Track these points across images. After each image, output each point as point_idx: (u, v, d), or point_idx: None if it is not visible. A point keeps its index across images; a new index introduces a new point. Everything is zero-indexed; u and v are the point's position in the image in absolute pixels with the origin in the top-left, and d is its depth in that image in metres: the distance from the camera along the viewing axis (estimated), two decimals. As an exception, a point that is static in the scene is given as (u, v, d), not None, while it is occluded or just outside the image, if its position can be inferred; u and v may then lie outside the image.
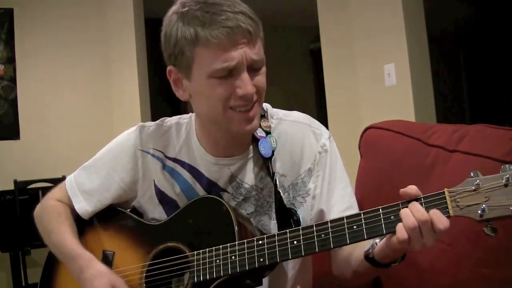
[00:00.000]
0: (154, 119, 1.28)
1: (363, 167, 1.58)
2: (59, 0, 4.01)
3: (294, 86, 5.86)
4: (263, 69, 1.09)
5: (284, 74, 5.57)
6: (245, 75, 1.04)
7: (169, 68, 1.12)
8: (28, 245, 3.36)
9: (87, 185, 1.25)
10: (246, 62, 1.03)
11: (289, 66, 5.80)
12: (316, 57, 5.31)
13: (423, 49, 3.11)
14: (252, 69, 1.06)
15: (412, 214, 0.90)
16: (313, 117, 1.26)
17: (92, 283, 1.12)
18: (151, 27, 4.52)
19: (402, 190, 0.94)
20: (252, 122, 1.09)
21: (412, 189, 0.93)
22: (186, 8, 1.04)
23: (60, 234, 1.22)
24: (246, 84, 1.03)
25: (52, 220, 1.26)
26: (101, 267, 1.15)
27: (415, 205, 0.91)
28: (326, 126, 1.26)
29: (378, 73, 3.14)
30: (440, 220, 0.88)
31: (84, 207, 1.24)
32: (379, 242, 0.98)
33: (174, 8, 1.07)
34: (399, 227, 0.91)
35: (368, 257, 1.02)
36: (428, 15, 3.14)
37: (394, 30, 3.03)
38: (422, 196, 0.92)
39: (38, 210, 1.31)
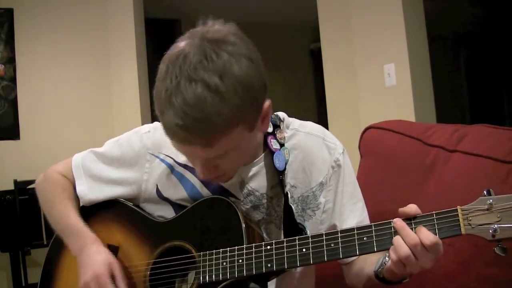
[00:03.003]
0: (154, 119, 1.27)
1: (363, 167, 1.58)
2: (59, 0, 4.01)
3: (294, 86, 5.86)
4: (234, 154, 1.01)
5: (284, 74, 5.57)
6: (198, 163, 1.02)
7: None
8: (28, 245, 3.36)
9: (92, 172, 1.24)
10: (198, 157, 1.01)
11: (289, 66, 5.80)
12: (316, 57, 5.31)
13: (423, 49, 3.11)
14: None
15: (403, 241, 0.91)
16: (313, 117, 1.25)
17: (94, 257, 1.13)
18: (151, 27, 4.54)
19: (401, 209, 0.94)
20: (228, 180, 1.12)
21: (411, 208, 0.94)
22: (164, 66, 0.95)
23: (64, 210, 1.22)
24: (199, 172, 1.04)
25: (55, 193, 1.25)
26: (103, 248, 1.16)
27: (404, 228, 0.92)
28: (326, 126, 1.26)
29: (378, 73, 3.14)
30: (428, 237, 0.89)
31: (84, 191, 1.23)
32: (387, 261, 0.98)
33: (168, 52, 0.97)
34: (391, 253, 0.92)
35: (378, 277, 1.02)
36: (428, 15, 3.14)
37: (394, 30, 3.03)
38: (434, 212, 0.92)
39: (40, 181, 1.30)
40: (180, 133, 0.93)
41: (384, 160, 1.51)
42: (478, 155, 1.24)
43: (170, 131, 0.95)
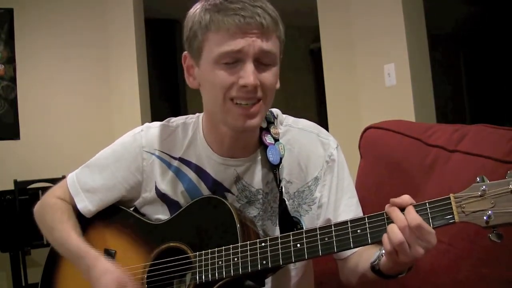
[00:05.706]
0: (154, 119, 1.28)
1: (363, 167, 1.58)
2: (59, 1, 4.01)
3: (294, 86, 5.86)
4: (274, 70, 1.08)
5: (284, 74, 5.54)
6: (250, 65, 1.03)
7: (184, 53, 1.13)
8: (28, 245, 3.36)
9: (89, 184, 1.24)
10: (253, 52, 1.03)
11: (289, 66, 5.79)
12: (316, 57, 5.30)
13: (423, 49, 3.11)
14: (261, 63, 1.05)
15: (397, 227, 0.91)
16: (313, 117, 1.26)
17: (99, 280, 1.11)
18: (151, 27, 4.54)
19: (392, 200, 0.94)
20: (253, 119, 1.07)
21: (403, 199, 0.94)
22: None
23: (64, 232, 1.21)
24: (248, 74, 1.03)
25: (54, 217, 1.25)
26: (107, 264, 1.14)
27: (394, 211, 0.92)
28: (326, 126, 1.27)
29: (378, 73, 3.14)
30: (415, 219, 0.89)
31: (87, 207, 1.24)
32: (384, 254, 0.98)
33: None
34: (384, 240, 0.92)
35: (374, 269, 1.02)
36: (428, 15, 3.14)
37: (394, 30, 3.03)
38: (427, 201, 0.92)
39: (38, 208, 1.30)
40: (254, 18, 1.02)
41: (384, 160, 1.51)
42: (478, 155, 1.24)
43: (235, 20, 1.01)
